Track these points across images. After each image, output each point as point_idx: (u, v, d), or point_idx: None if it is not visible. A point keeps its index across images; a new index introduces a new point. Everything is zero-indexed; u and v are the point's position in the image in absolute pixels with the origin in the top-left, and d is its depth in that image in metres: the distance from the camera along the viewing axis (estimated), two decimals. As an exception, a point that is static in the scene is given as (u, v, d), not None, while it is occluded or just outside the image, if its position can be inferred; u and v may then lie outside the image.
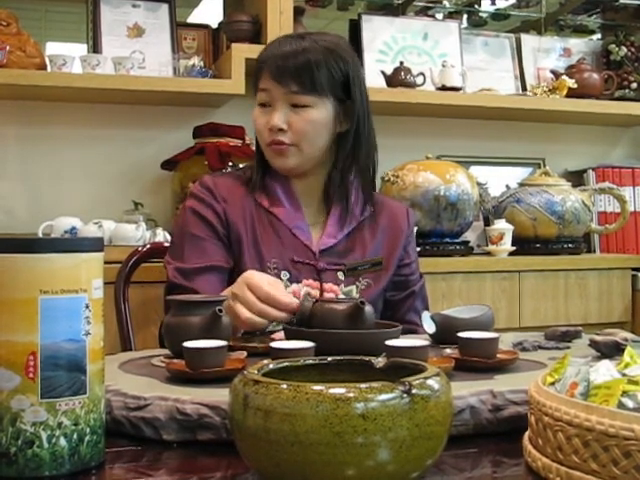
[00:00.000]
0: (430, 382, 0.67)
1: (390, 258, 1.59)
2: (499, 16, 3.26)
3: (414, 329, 1.58)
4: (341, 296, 1.51)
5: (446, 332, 1.21)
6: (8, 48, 2.24)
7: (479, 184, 2.61)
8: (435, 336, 1.26)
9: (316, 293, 1.49)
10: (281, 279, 1.48)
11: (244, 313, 1.26)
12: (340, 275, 1.53)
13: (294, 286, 1.49)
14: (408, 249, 1.65)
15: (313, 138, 1.51)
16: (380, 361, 0.78)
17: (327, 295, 1.50)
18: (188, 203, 1.56)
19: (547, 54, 3.12)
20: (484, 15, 3.25)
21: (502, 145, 3.03)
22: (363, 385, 0.64)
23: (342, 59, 1.52)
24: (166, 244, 1.87)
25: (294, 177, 1.57)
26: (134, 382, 0.98)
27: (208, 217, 1.52)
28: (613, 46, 3.14)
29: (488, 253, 2.62)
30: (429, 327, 1.26)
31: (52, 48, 2.78)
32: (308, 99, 1.49)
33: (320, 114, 1.51)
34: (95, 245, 0.80)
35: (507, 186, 2.80)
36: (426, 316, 1.27)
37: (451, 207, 2.47)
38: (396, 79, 2.64)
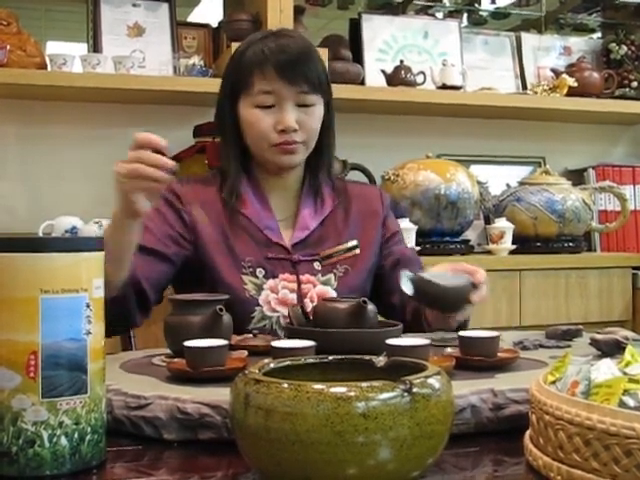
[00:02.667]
0: (431, 381, 0.67)
1: (367, 242, 1.59)
2: (499, 15, 3.26)
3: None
4: (319, 286, 1.51)
5: (422, 295, 1.22)
6: (8, 47, 2.24)
7: (479, 183, 2.61)
8: (413, 297, 1.25)
9: (293, 287, 1.49)
10: (257, 276, 1.48)
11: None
12: (316, 265, 1.53)
13: (270, 282, 1.49)
14: (389, 225, 1.65)
15: (316, 134, 1.54)
16: (381, 360, 0.78)
17: (305, 287, 1.50)
18: (155, 203, 1.55)
19: (547, 53, 3.12)
20: (484, 14, 3.25)
21: (502, 144, 3.03)
22: (364, 384, 0.64)
23: (319, 55, 1.56)
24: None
25: (277, 175, 1.57)
26: (135, 381, 0.98)
27: (168, 213, 1.50)
28: (613, 45, 3.14)
29: (489, 252, 2.62)
30: (408, 289, 1.25)
31: (52, 47, 2.78)
32: (314, 98, 1.51)
33: (321, 112, 1.54)
34: (96, 244, 0.80)
35: (507, 185, 2.80)
36: (405, 277, 1.26)
37: (451, 206, 2.47)
38: (396, 78, 2.63)
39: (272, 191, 1.58)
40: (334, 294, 1.50)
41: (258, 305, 1.47)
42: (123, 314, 1.35)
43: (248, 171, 1.58)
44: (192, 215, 1.51)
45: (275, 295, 1.48)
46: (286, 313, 1.46)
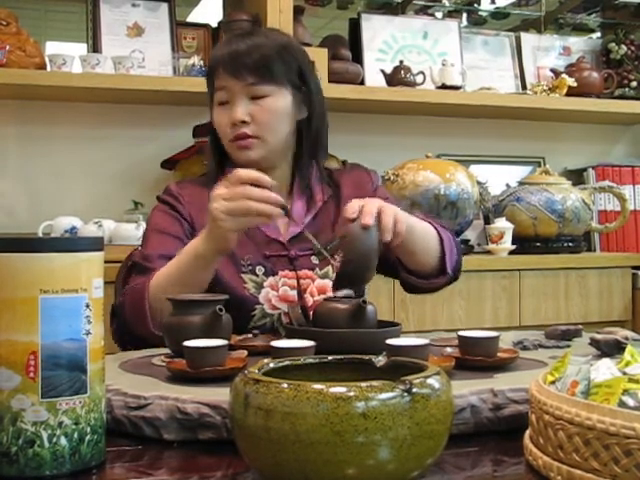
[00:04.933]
0: (431, 381, 0.67)
1: None
2: (499, 15, 3.26)
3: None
4: (318, 280, 1.50)
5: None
6: (8, 47, 2.24)
7: (479, 183, 2.62)
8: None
9: (293, 283, 1.49)
10: (256, 274, 1.48)
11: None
12: (314, 259, 1.53)
13: (270, 279, 1.49)
14: (377, 196, 1.59)
15: (275, 127, 1.51)
16: (381, 360, 0.78)
17: (304, 282, 1.50)
18: (156, 208, 1.57)
19: (547, 53, 3.12)
20: (484, 14, 3.25)
21: (502, 144, 3.03)
22: (364, 384, 0.64)
23: (294, 51, 1.54)
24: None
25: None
26: (134, 381, 0.98)
27: (174, 215, 1.53)
28: (613, 44, 3.14)
29: (488, 252, 2.62)
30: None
31: (52, 47, 2.78)
32: (266, 89, 1.49)
33: (279, 102, 1.51)
34: (95, 244, 0.80)
35: (507, 185, 2.80)
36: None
37: (451, 206, 2.47)
38: (396, 78, 2.64)
39: None
40: None
41: (259, 303, 1.47)
42: None
43: None
44: (191, 216, 1.52)
45: (275, 292, 1.48)
46: (287, 310, 1.46)
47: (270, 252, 1.51)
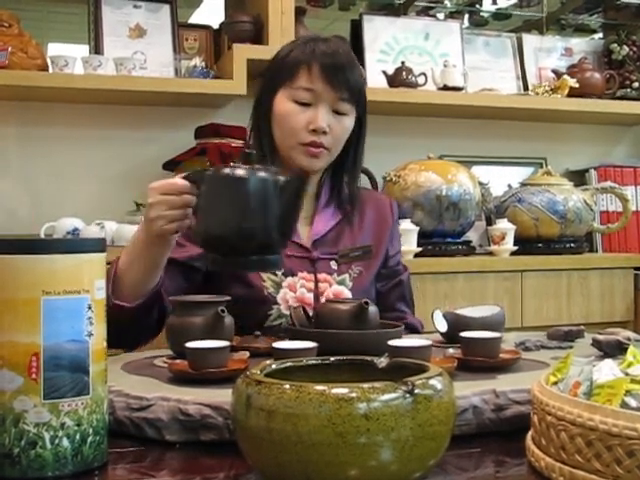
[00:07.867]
0: (433, 382, 0.67)
1: (378, 247, 1.61)
2: (500, 16, 3.26)
3: (403, 316, 1.61)
4: (335, 286, 1.51)
5: (457, 331, 1.19)
6: (10, 49, 2.24)
7: (481, 184, 2.61)
8: (446, 335, 1.25)
9: (311, 286, 1.49)
10: (276, 274, 1.48)
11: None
12: (333, 264, 1.53)
13: (289, 280, 1.49)
14: (393, 241, 1.67)
15: (342, 143, 1.54)
16: (383, 361, 0.78)
17: (322, 286, 1.50)
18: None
19: (548, 54, 3.12)
20: (485, 15, 3.25)
21: (504, 145, 3.03)
22: (366, 385, 0.64)
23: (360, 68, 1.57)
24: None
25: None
26: (137, 383, 0.98)
27: None
28: (615, 45, 3.14)
29: (490, 253, 2.62)
30: (441, 326, 1.25)
31: (54, 49, 2.78)
32: (349, 108, 1.51)
33: (351, 122, 1.54)
34: (97, 246, 0.80)
35: (509, 186, 2.80)
36: (438, 314, 1.26)
37: (453, 207, 2.47)
38: (398, 79, 2.64)
39: None
40: (349, 294, 1.51)
41: (276, 303, 1.47)
42: (146, 322, 1.33)
43: None
44: None
45: (293, 293, 1.48)
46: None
47: (291, 252, 1.50)
